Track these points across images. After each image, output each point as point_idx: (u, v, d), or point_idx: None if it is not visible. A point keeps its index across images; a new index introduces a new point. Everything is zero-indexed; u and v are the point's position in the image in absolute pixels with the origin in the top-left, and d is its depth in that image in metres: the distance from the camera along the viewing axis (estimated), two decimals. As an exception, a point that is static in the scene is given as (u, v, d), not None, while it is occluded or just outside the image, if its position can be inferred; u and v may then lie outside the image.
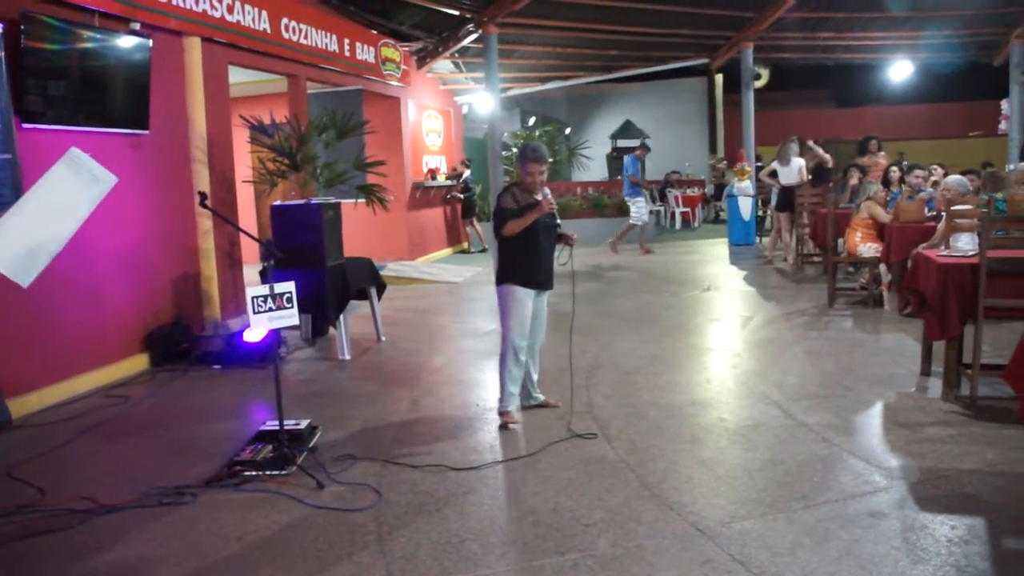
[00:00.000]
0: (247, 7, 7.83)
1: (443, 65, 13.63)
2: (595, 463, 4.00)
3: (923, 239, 6.29)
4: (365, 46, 10.85)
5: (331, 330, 6.81)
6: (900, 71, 17.27)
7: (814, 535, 3.14)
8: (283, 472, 3.94)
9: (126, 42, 6.10)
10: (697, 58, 15.37)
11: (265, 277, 4.11)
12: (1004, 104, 16.05)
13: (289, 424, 4.25)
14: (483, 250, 14.08)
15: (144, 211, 6.47)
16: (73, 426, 4.96)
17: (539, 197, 4.52)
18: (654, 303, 8.53)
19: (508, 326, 4.62)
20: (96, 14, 5.85)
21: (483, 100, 13.71)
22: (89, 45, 5.76)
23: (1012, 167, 10.16)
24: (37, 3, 5.37)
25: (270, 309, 4.04)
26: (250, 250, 7.88)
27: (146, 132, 6.38)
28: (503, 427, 4.58)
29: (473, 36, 11.98)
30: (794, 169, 10.83)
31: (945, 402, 4.71)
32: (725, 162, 19.27)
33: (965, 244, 5.15)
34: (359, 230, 9.60)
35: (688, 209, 17.32)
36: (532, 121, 18.84)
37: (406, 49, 12.28)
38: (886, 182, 8.58)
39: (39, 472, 4.14)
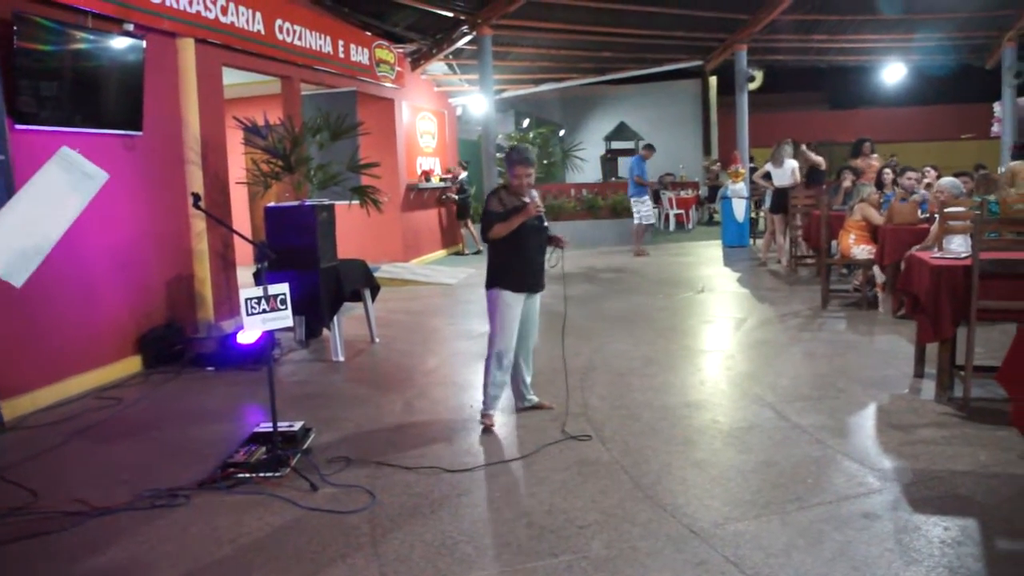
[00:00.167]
0: (241, 8, 7.82)
1: (437, 67, 13.63)
2: (589, 465, 4.00)
3: (916, 241, 6.31)
4: (359, 48, 10.84)
5: (325, 332, 6.79)
6: (893, 74, 17.34)
7: (808, 536, 3.14)
8: (277, 474, 3.93)
9: (119, 43, 6.08)
10: (691, 60, 15.42)
11: (259, 279, 4.10)
12: (996, 107, 16.15)
13: (283, 426, 4.24)
14: (477, 252, 14.08)
15: (137, 212, 6.45)
16: (66, 428, 4.94)
17: (527, 200, 4.51)
18: (648, 305, 8.54)
19: (494, 331, 4.61)
20: (89, 15, 5.83)
21: (477, 102, 13.71)
22: (82, 46, 5.74)
23: (1004, 170, 10.21)
24: (29, 3, 5.35)
25: (264, 311, 4.03)
26: (244, 252, 7.87)
27: (139, 133, 6.37)
28: (484, 430, 4.57)
29: (467, 38, 11.99)
30: (787, 171, 10.86)
31: (938, 404, 4.73)
32: (719, 164, 19.30)
33: (958, 246, 5.17)
34: (353, 232, 9.59)
35: (682, 211, 17.33)
36: (526, 123, 18.85)
37: (400, 51, 12.27)
38: (879, 184, 8.60)
39: (32, 474, 4.12)
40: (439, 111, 14.39)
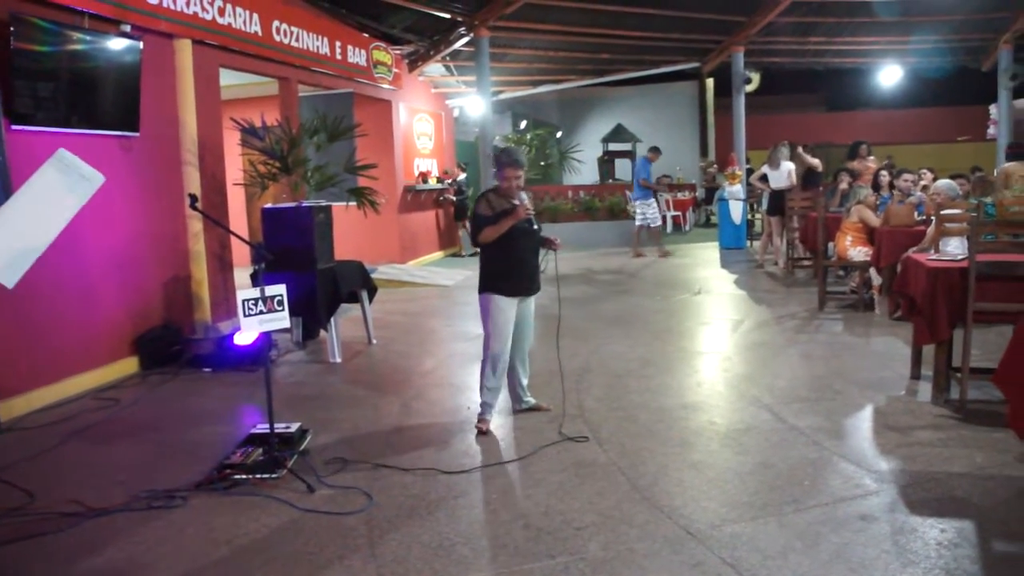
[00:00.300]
0: (238, 9, 7.81)
1: (434, 68, 13.63)
2: (586, 466, 4.00)
3: (913, 243, 6.33)
4: (356, 49, 10.84)
5: (322, 333, 6.79)
6: (890, 76, 17.38)
7: (805, 538, 3.15)
8: (273, 475, 3.92)
9: (116, 44, 6.07)
10: (688, 62, 15.43)
11: (256, 280, 4.10)
12: (992, 109, 16.20)
13: (280, 427, 4.24)
14: (474, 253, 14.07)
15: (134, 213, 6.44)
16: (62, 429, 4.93)
17: (516, 202, 4.47)
18: (645, 306, 8.54)
19: (488, 336, 4.60)
20: (86, 16, 5.82)
21: (474, 103, 13.72)
22: (79, 47, 5.74)
23: (998, 171, 10.24)
24: (26, 4, 5.34)
25: (261, 312, 4.02)
26: (241, 253, 7.83)
27: (136, 134, 6.36)
28: (479, 433, 4.55)
29: (464, 39, 12.00)
30: (784, 173, 10.87)
31: (935, 406, 4.73)
32: (716, 166, 19.32)
33: (955, 248, 5.18)
34: (350, 233, 9.58)
35: (679, 213, 17.35)
36: (523, 124, 18.84)
37: (397, 52, 12.27)
38: (876, 186, 8.62)
39: (28, 475, 4.11)
40: (436, 113, 14.39)
